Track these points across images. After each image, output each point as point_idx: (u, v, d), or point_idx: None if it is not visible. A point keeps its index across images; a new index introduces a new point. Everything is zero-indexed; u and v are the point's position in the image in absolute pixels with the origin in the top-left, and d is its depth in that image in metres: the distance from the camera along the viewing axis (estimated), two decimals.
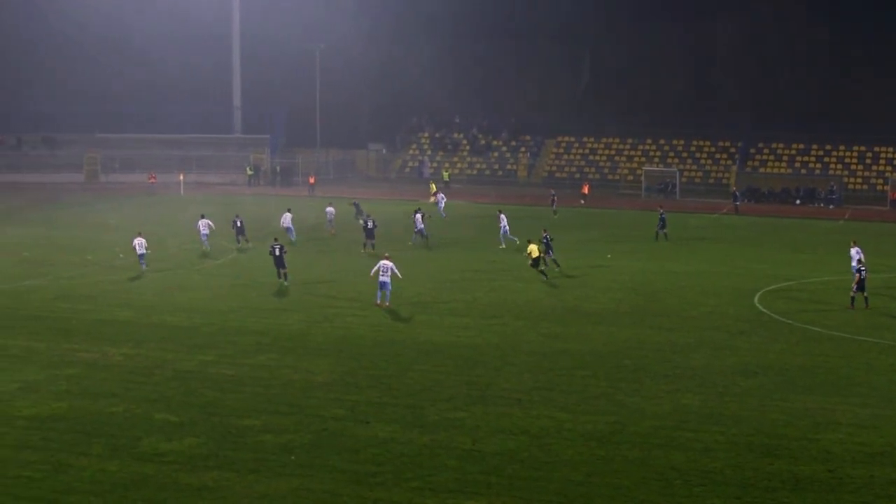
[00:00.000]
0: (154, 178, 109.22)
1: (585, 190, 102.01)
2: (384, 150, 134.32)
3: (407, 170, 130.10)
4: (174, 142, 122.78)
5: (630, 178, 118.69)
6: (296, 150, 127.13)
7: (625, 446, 29.06)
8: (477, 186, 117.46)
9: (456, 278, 56.32)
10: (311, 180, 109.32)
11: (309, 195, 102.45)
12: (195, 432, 29.93)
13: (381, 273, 47.63)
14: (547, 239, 58.37)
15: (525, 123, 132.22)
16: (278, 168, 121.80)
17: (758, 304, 49.76)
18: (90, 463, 27.57)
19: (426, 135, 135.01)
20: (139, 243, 57.94)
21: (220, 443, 29.07)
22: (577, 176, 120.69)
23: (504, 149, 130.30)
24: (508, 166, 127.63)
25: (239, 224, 67.46)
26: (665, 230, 72.91)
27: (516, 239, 65.28)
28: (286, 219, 70.10)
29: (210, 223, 65.99)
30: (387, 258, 48.63)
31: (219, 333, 42.60)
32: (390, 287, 47.81)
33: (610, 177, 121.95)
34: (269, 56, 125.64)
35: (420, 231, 70.03)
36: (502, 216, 70.31)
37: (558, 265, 58.32)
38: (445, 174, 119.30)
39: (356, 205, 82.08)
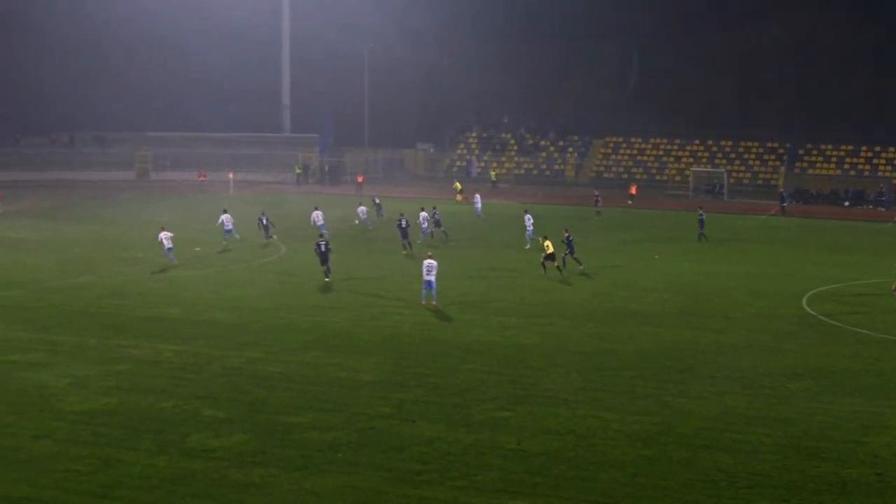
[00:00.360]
0: (204, 176, 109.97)
1: (633, 190, 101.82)
2: (432, 150, 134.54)
3: (455, 169, 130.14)
4: (224, 140, 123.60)
5: (678, 178, 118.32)
6: (344, 149, 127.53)
7: (671, 447, 29.01)
8: (524, 186, 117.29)
9: (498, 276, 56.34)
10: (360, 179, 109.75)
11: (357, 194, 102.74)
12: (243, 429, 30.17)
13: (425, 272, 47.72)
14: (569, 238, 58.45)
15: (573, 123, 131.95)
16: (326, 167, 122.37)
17: (805, 307, 49.48)
18: (139, 458, 27.85)
19: (474, 134, 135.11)
20: (165, 237, 59.03)
21: (266, 440, 29.29)
22: (625, 176, 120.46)
23: (552, 149, 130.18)
24: (556, 166, 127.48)
25: (265, 221, 68.56)
26: (703, 231, 72.64)
27: (539, 239, 65.34)
28: (317, 216, 71.12)
29: (231, 218, 67.43)
30: (430, 257, 48.69)
31: (266, 331, 42.89)
32: (435, 286, 47.86)
33: (658, 177, 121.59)
34: (318, 56, 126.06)
35: (423, 231, 70.54)
36: (528, 216, 70.64)
37: (580, 264, 58.14)
38: (493, 174, 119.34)
39: (378, 204, 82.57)
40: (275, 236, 68.59)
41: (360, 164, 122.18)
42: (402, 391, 34.16)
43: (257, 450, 28.47)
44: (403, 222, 66.04)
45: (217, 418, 31.13)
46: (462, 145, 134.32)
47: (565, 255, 57.60)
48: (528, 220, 70.12)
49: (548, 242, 57.03)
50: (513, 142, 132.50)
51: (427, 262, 48.01)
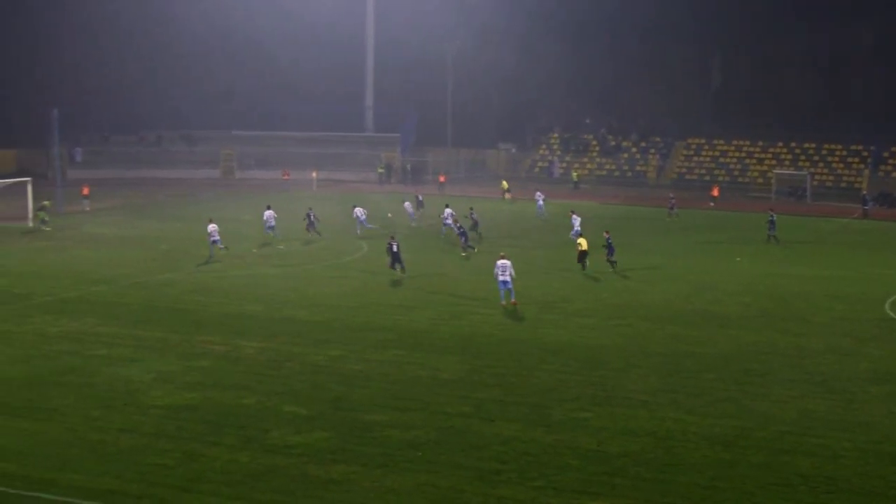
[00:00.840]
0: (287, 174, 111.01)
1: (715, 192, 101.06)
2: (514, 150, 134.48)
3: (536, 170, 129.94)
4: (308, 140, 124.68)
5: (760, 181, 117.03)
6: (426, 148, 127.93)
7: (750, 451, 28.86)
8: (605, 187, 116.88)
9: (574, 277, 56.29)
10: (442, 179, 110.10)
11: (439, 193, 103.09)
12: (323, 426, 30.52)
13: (499, 273, 47.79)
14: (609, 241, 58.47)
15: (655, 125, 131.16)
16: (408, 166, 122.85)
17: (888, 311, 48.84)
18: (221, 453, 28.30)
19: (556, 135, 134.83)
20: (213, 229, 60.96)
21: (347, 437, 29.60)
22: (707, 178, 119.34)
23: (633, 150, 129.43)
24: (638, 168, 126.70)
25: (312, 217, 69.85)
26: (773, 233, 71.90)
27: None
28: (359, 212, 72.08)
29: (274, 214, 69.00)
30: (503, 257, 48.70)
31: (347, 329, 43.27)
32: (511, 285, 47.84)
33: (740, 179, 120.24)
34: (402, 56, 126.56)
35: (447, 225, 70.84)
36: (575, 217, 70.97)
37: (613, 266, 57.92)
38: (575, 175, 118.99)
39: (420, 202, 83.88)
40: (320, 233, 69.90)
41: (442, 163, 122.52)
42: (482, 390, 34.32)
43: (338, 447, 28.78)
44: (460, 224, 66.44)
45: (298, 415, 31.52)
46: (544, 146, 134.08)
47: (608, 259, 58.14)
48: (576, 220, 70.38)
49: (582, 240, 58.69)
50: (595, 143, 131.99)
51: (500, 262, 48.04)
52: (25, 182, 79.46)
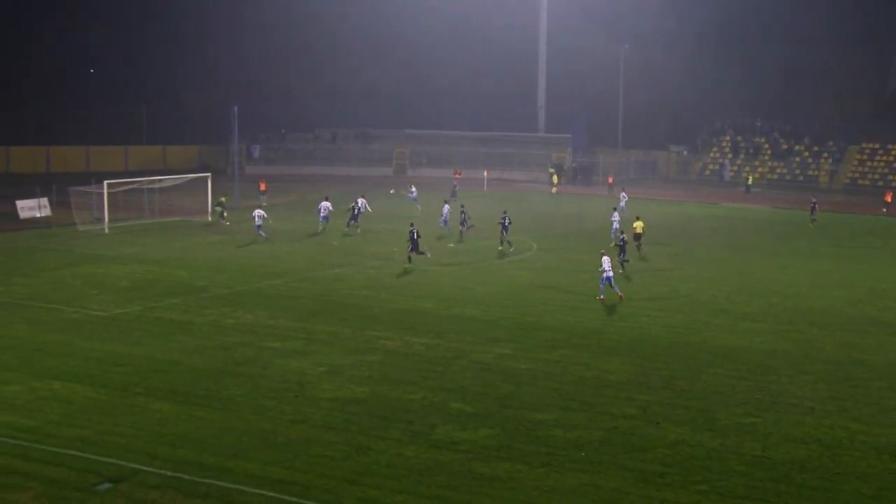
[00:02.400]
0: (459, 173, 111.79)
1: (888, 198, 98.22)
2: (685, 152, 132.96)
3: (707, 172, 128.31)
4: (480, 139, 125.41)
5: None
6: (597, 149, 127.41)
7: None
8: (776, 191, 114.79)
9: (743, 281, 55.44)
10: (610, 180, 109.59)
11: (608, 195, 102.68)
12: (489, 423, 30.71)
13: (607, 267, 48.48)
14: (623, 241, 58.22)
15: (828, 129, 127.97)
16: (575, 166, 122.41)
17: None
18: (388, 447, 28.69)
19: (727, 138, 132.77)
20: (258, 215, 65.75)
21: (512, 435, 29.73)
22: (881, 183, 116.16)
23: (806, 154, 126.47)
24: (810, 172, 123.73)
25: (356, 210, 71.40)
26: None
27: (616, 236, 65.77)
28: (444, 210, 72.24)
29: (330, 206, 71.72)
30: (604, 254, 49.62)
31: (515, 328, 43.41)
32: (612, 280, 48.58)
33: None
34: (574, 57, 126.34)
35: (444, 221, 71.12)
36: (616, 214, 70.81)
37: (623, 267, 56.94)
38: (750, 178, 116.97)
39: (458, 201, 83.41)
40: (359, 229, 71.39)
41: (611, 164, 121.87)
42: (648, 393, 34.13)
43: (503, 444, 28.93)
44: (507, 220, 65.59)
45: (464, 412, 31.77)
46: (715, 148, 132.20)
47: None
48: (616, 217, 70.42)
49: (638, 223, 63.43)
50: (766, 146, 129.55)
51: (605, 258, 49.11)
52: (205, 177, 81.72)
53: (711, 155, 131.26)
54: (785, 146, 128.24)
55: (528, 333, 42.41)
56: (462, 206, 71.06)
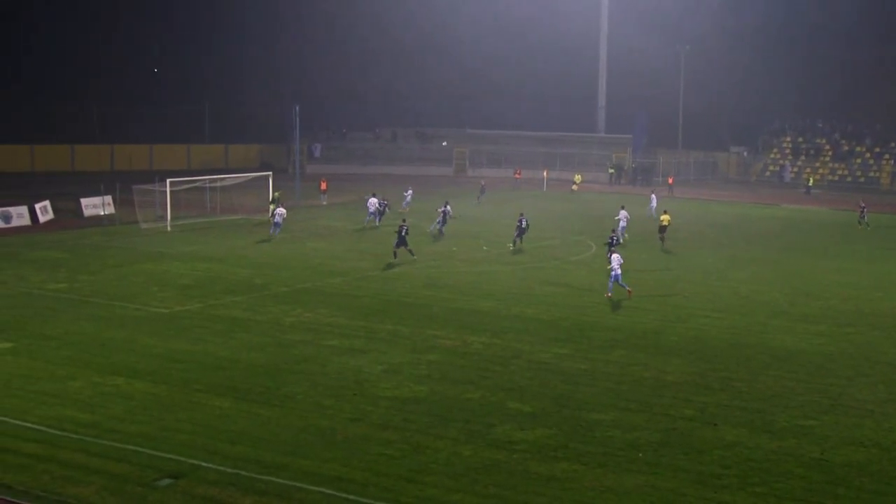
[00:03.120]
0: (519, 173, 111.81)
1: None
2: (745, 153, 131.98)
3: (767, 174, 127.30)
4: (540, 139, 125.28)
5: None
6: (657, 150, 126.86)
7: None
8: (837, 193, 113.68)
9: (800, 282, 55.00)
10: (670, 181, 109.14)
11: (668, 195, 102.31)
12: (547, 423, 30.73)
13: (616, 265, 49.35)
14: (612, 240, 58.24)
15: (889, 129, 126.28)
16: (634, 166, 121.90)
17: None
18: (445, 446, 28.78)
19: (788, 139, 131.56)
20: (280, 213, 67.15)
21: (570, 435, 29.73)
22: None
23: (867, 155, 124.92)
24: (871, 173, 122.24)
25: (380, 205, 72.92)
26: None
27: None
28: (447, 209, 72.05)
29: (377, 202, 73.83)
30: (614, 251, 51.52)
31: (574, 328, 43.38)
32: (620, 277, 49.31)
33: None
34: (635, 58, 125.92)
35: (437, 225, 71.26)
36: (623, 212, 71.11)
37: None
38: (810, 179, 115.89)
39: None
40: (377, 225, 72.67)
41: (672, 165, 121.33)
42: (706, 394, 33.99)
43: (560, 444, 28.95)
44: (524, 222, 65.42)
45: (522, 411, 31.81)
46: (776, 150, 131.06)
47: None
48: (623, 215, 70.92)
49: (665, 216, 67.31)
50: (827, 147, 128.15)
51: (615, 255, 50.17)
52: (266, 176, 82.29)
53: (772, 156, 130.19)
54: (846, 147, 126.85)
55: (586, 333, 42.37)
56: (446, 204, 70.98)
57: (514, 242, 64.51)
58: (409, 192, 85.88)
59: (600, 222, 76.34)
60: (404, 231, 58.56)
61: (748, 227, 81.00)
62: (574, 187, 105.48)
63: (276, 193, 77.78)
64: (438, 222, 70.19)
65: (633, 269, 54.93)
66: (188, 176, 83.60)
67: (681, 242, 69.76)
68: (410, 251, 58.70)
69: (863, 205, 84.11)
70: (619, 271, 49.18)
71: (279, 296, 49.04)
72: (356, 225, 73.78)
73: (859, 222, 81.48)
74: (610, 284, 49.62)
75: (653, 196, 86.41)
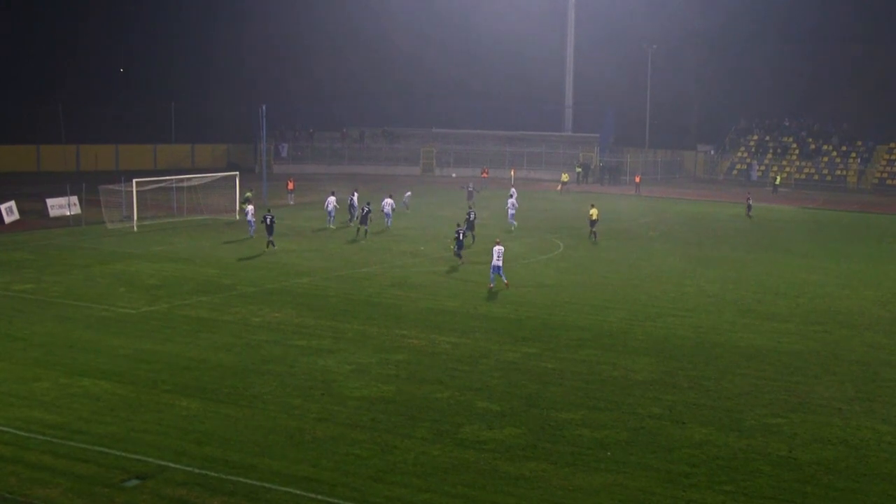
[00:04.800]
0: (486, 172, 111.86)
1: None
2: (712, 152, 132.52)
3: (734, 172, 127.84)
4: (507, 138, 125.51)
5: None
6: (624, 149, 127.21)
7: None
8: (804, 191, 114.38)
9: (770, 280, 55.29)
10: (637, 179, 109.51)
11: (635, 194, 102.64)
12: (515, 422, 30.76)
13: (496, 257, 50.78)
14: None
15: (856, 128, 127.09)
16: (600, 164, 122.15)
17: None
18: (414, 445, 28.77)
19: (755, 137, 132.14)
20: (250, 211, 68.14)
21: (538, 434, 29.76)
22: None
23: (834, 154, 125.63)
24: (838, 172, 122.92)
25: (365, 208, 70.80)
26: None
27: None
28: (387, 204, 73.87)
29: (392, 202, 73.88)
30: (498, 243, 51.88)
31: (542, 327, 43.41)
32: (501, 269, 50.93)
33: None
34: (601, 56, 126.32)
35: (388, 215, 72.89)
36: (512, 202, 74.62)
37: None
38: (777, 178, 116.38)
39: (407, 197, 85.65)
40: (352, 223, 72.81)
41: (638, 164, 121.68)
42: (674, 393, 34.10)
43: (528, 444, 28.98)
44: (472, 215, 66.43)
45: (490, 410, 31.83)
46: (742, 148, 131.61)
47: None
48: (513, 199, 74.89)
49: (594, 210, 68.52)
50: (794, 146, 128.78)
51: (497, 248, 51.23)
52: (233, 176, 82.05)
53: (739, 154, 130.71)
54: (813, 146, 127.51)
55: (554, 333, 42.41)
56: (367, 205, 70.00)
57: (461, 240, 63.77)
58: (408, 193, 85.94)
59: (568, 221, 76.53)
60: (269, 220, 61.80)
61: (716, 225, 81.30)
62: (559, 187, 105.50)
63: (249, 193, 77.54)
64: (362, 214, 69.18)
65: (605, 270, 55.03)
66: (154, 176, 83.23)
67: (649, 242, 70.02)
68: (272, 242, 61.62)
69: (748, 197, 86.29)
70: (499, 263, 50.67)
71: (246, 296, 48.89)
72: (323, 225, 73.60)
73: (748, 215, 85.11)
74: (492, 276, 51.18)
75: (512, 190, 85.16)
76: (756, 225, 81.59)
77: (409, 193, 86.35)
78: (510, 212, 73.68)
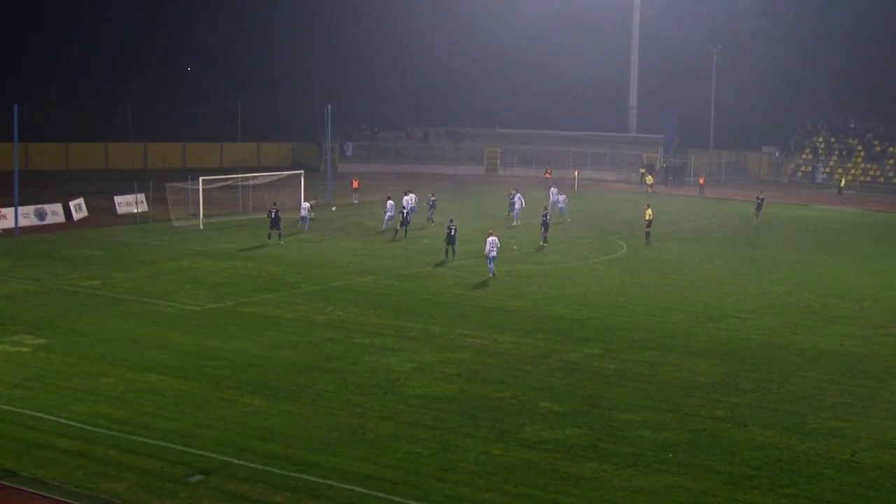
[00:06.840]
0: (550, 172, 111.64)
1: None
2: (777, 154, 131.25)
3: (799, 174, 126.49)
4: (571, 139, 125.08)
5: None
6: (689, 150, 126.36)
7: None
8: (869, 194, 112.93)
9: (835, 282, 54.78)
10: (701, 181, 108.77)
11: (699, 196, 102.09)
12: (577, 423, 30.76)
13: (489, 248, 53.64)
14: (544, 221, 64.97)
15: None
16: (665, 165, 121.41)
17: None
18: (475, 444, 28.86)
19: (820, 139, 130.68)
20: (305, 207, 70.47)
21: (600, 435, 29.76)
22: None
23: None
24: None
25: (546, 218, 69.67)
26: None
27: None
28: (409, 199, 73.21)
29: (414, 197, 73.64)
30: (491, 234, 54.55)
31: (605, 327, 43.36)
32: (492, 260, 53.77)
33: None
34: (667, 56, 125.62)
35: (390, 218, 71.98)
36: (516, 196, 75.00)
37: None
38: (842, 180, 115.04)
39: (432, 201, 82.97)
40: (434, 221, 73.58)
41: (703, 165, 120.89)
42: (737, 395, 33.95)
43: (590, 444, 28.98)
44: (453, 230, 63.56)
45: (552, 411, 31.86)
46: (808, 150, 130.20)
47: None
48: (517, 198, 75.27)
49: (648, 211, 69.25)
50: (860, 148, 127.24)
51: (490, 238, 53.88)
52: (298, 174, 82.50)
53: (804, 156, 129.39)
54: (878, 148, 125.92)
55: (617, 333, 42.35)
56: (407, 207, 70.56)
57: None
58: (433, 198, 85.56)
59: (630, 223, 76.30)
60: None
61: (780, 227, 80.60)
62: (649, 189, 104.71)
63: (313, 201, 77.39)
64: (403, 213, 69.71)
65: (668, 271, 54.84)
66: (220, 174, 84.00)
67: (713, 243, 69.64)
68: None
69: (761, 197, 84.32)
70: (494, 253, 53.51)
71: (310, 294, 49.24)
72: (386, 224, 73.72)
73: (756, 214, 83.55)
74: (490, 266, 53.85)
75: (553, 189, 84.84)
76: (764, 224, 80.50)
77: (433, 197, 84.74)
78: (560, 206, 76.69)
